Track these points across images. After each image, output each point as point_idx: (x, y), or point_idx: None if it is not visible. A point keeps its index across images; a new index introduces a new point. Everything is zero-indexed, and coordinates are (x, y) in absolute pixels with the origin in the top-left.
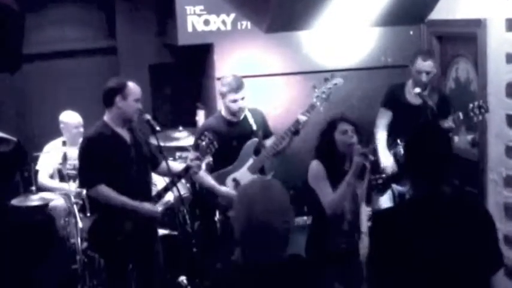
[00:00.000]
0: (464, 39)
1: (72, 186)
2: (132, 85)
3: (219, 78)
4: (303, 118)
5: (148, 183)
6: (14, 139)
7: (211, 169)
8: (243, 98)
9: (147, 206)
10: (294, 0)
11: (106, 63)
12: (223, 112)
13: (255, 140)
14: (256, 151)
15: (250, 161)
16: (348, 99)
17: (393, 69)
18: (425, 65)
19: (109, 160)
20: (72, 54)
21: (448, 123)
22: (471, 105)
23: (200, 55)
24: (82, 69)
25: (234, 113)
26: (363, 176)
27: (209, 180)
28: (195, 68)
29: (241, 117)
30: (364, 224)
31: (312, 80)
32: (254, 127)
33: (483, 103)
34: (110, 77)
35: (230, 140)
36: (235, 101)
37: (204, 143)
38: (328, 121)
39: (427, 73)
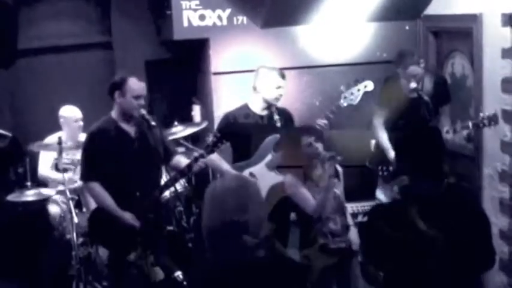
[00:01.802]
0: (460, 34)
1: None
2: (132, 82)
3: (214, 73)
4: (323, 122)
5: (152, 177)
6: (9, 134)
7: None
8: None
9: (127, 216)
10: None
11: (101, 58)
12: (251, 105)
13: (276, 136)
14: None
15: (269, 157)
16: None
17: (389, 64)
18: (409, 71)
19: (110, 154)
20: (68, 49)
21: (450, 132)
22: (481, 115)
23: (196, 50)
24: (77, 65)
25: (270, 102)
26: (338, 177)
27: (224, 165)
28: (191, 64)
29: (267, 112)
30: (349, 219)
31: (307, 75)
32: (278, 124)
33: (494, 115)
34: (105, 72)
35: (252, 134)
36: (279, 87)
37: (210, 140)
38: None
39: (414, 76)
